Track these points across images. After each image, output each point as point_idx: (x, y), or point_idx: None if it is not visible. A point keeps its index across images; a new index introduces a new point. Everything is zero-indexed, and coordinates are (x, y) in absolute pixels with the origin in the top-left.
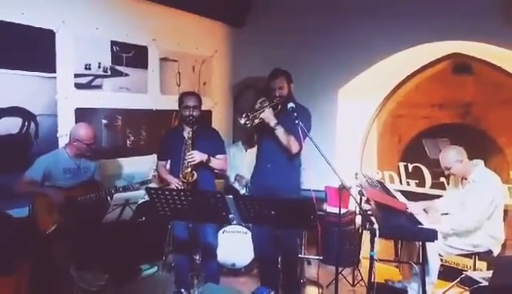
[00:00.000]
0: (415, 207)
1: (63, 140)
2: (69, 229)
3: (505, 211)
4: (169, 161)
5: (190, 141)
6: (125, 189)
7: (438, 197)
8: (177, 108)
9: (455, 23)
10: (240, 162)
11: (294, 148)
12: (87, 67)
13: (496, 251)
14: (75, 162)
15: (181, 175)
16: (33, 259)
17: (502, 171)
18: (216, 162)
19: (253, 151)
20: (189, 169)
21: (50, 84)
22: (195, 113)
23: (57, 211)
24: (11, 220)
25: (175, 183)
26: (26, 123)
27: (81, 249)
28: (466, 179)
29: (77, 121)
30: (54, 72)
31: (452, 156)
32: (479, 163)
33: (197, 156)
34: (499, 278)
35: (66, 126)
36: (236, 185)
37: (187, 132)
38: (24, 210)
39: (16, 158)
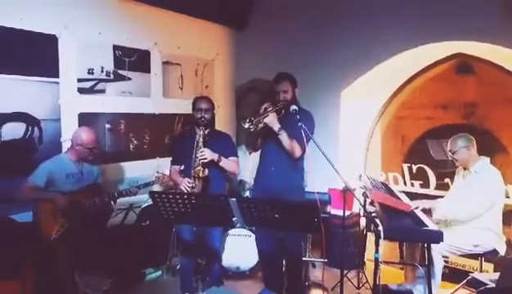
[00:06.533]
0: (422, 204)
1: (67, 145)
2: (74, 234)
3: (511, 212)
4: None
5: (202, 139)
6: (128, 192)
7: (443, 198)
8: (180, 112)
9: (458, 23)
10: (242, 166)
11: (297, 152)
12: (90, 71)
13: (502, 251)
14: (78, 167)
15: (192, 172)
16: (38, 264)
17: (507, 170)
18: (228, 164)
19: (257, 155)
20: (200, 167)
21: (53, 89)
22: (206, 116)
23: (61, 215)
24: (16, 225)
25: (185, 182)
26: (30, 128)
27: (85, 254)
28: (469, 170)
29: (80, 125)
30: (57, 77)
31: (461, 141)
32: (485, 158)
33: (208, 154)
34: (506, 280)
35: (70, 131)
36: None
37: (199, 134)
38: (29, 215)
39: (20, 163)
